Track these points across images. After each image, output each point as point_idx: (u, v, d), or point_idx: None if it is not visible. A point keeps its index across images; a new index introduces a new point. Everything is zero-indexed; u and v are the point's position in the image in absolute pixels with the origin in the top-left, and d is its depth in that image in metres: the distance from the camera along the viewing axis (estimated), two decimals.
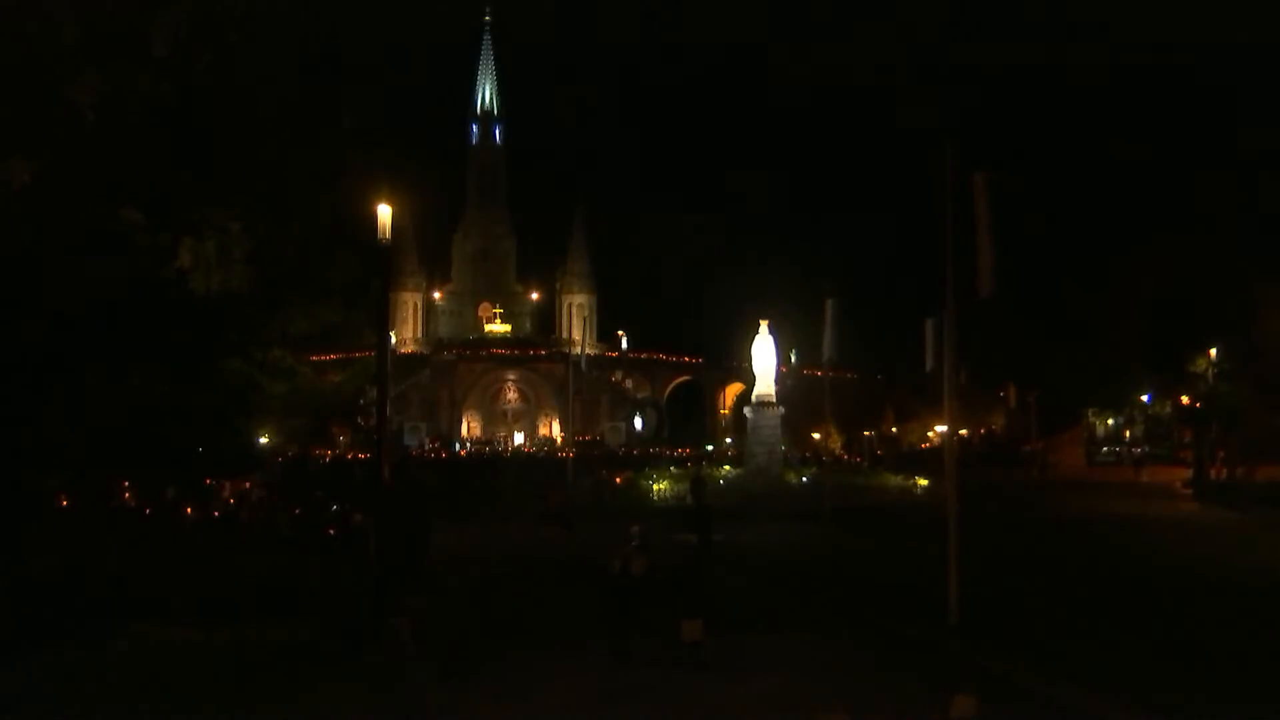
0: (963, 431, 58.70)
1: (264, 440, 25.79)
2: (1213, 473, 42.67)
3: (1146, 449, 63.52)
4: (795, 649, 14.19)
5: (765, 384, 40.10)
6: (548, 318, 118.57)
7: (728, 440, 77.59)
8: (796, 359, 58.70)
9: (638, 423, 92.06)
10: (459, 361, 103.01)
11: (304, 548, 23.37)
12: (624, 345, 73.72)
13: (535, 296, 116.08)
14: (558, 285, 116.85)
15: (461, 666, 11.76)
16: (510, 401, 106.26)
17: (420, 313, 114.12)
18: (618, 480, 43.00)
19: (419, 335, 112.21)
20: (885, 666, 13.19)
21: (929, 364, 18.77)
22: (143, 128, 13.28)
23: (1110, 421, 74.55)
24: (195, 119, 14.08)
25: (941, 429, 44.73)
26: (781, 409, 40.47)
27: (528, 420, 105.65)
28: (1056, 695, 11.36)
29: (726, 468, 46.00)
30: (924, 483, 40.76)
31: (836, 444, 64.74)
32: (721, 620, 13.88)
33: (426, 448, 77.13)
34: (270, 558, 21.43)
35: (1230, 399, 41.56)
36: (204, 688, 12.03)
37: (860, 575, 20.06)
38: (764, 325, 40.22)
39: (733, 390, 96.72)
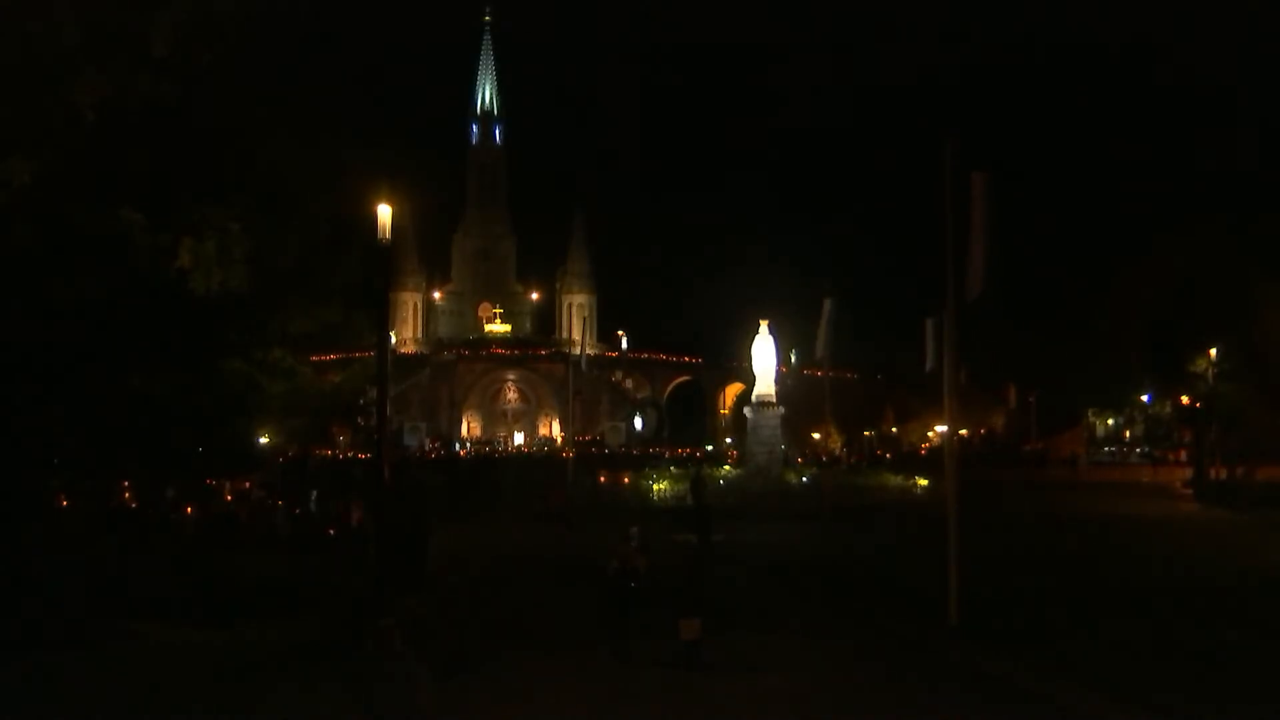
0: (963, 431, 58.68)
1: (264, 440, 25.79)
2: (1212, 473, 42.63)
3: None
4: (795, 648, 14.19)
5: (765, 384, 40.05)
6: (548, 318, 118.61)
7: (728, 440, 77.56)
8: (796, 359, 58.57)
9: (638, 423, 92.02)
10: (459, 361, 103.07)
11: (304, 548, 23.38)
12: (624, 345, 73.60)
13: (535, 296, 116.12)
14: (558, 285, 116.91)
15: (459, 667, 11.77)
16: (510, 401, 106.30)
17: (420, 313, 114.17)
18: (602, 479, 43.22)
19: (419, 335, 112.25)
20: (884, 666, 13.18)
21: (929, 364, 18.76)
22: (143, 128, 13.29)
23: (1110, 421, 74.56)
24: (195, 119, 14.09)
25: (941, 429, 44.70)
26: (781, 409, 40.43)
27: (528, 420, 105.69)
28: (1056, 695, 11.36)
29: (726, 468, 45.94)
30: (924, 483, 40.73)
31: (836, 444, 64.79)
32: (721, 620, 13.88)
33: (426, 448, 77.14)
34: (270, 558, 21.43)
35: (1230, 399, 41.54)
36: (204, 688, 12.04)
37: (860, 575, 20.04)
38: (764, 325, 40.16)
39: (733, 390, 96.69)
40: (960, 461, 17.21)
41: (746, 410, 41.44)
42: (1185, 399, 47.20)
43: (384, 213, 15.22)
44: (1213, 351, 41.98)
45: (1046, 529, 28.00)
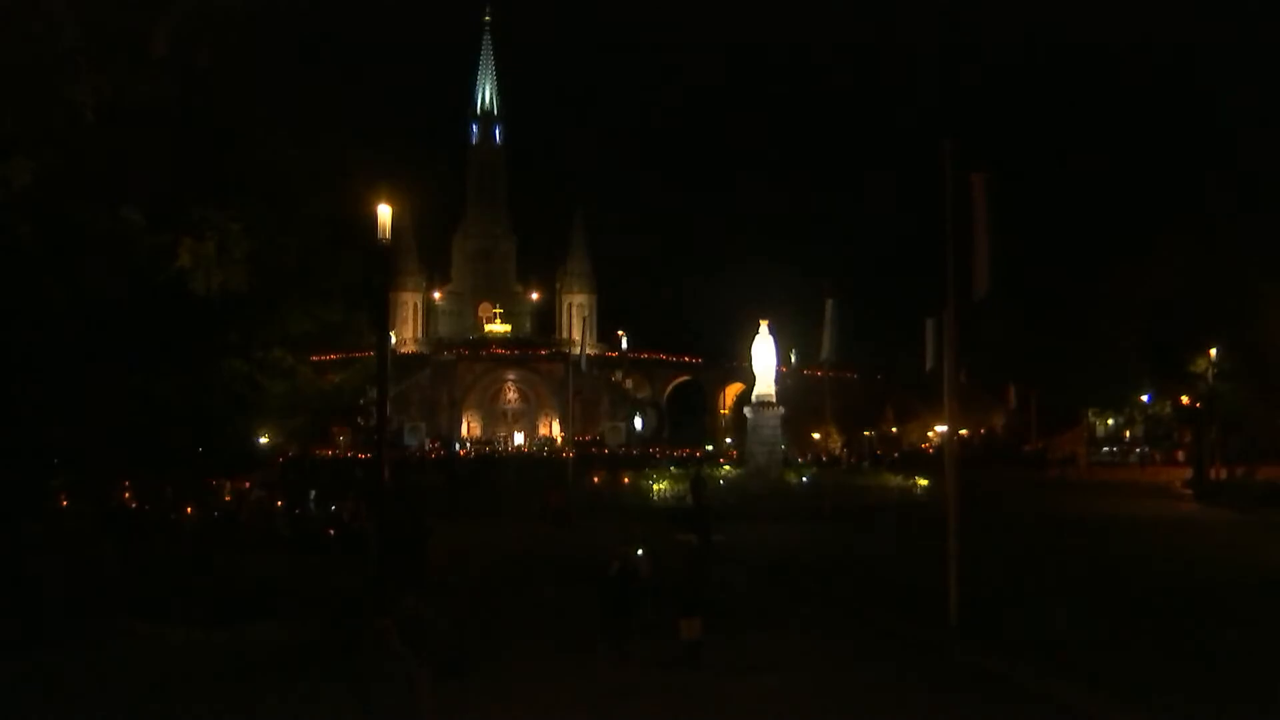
0: (963, 431, 58.64)
1: (264, 440, 25.79)
2: (1212, 473, 42.59)
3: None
4: (795, 648, 14.20)
5: (765, 384, 40.08)
6: (548, 318, 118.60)
7: (728, 440, 77.56)
8: (796, 359, 58.67)
9: (638, 423, 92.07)
10: (459, 361, 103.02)
11: (303, 548, 23.39)
12: (624, 345, 73.62)
13: (535, 296, 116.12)
14: (558, 285, 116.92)
15: (459, 667, 11.77)
16: (510, 401, 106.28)
17: (420, 313, 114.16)
18: (596, 480, 43.35)
19: (419, 335, 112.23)
20: (884, 666, 13.18)
21: (929, 364, 18.79)
22: (143, 128, 13.29)
23: (1110, 421, 74.49)
24: (195, 119, 14.10)
25: (942, 429, 44.69)
26: (781, 409, 40.46)
27: (528, 420, 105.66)
28: (1056, 695, 11.36)
29: (726, 468, 45.97)
30: (924, 483, 40.75)
31: (836, 444, 64.80)
32: (721, 620, 13.88)
33: (426, 448, 77.14)
34: (270, 558, 21.44)
35: (1230, 399, 41.54)
36: (204, 688, 12.04)
37: (860, 575, 20.05)
38: (764, 325, 40.20)
39: (733, 390, 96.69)
40: (960, 461, 17.21)
41: (746, 410, 41.46)
42: (1185, 399, 47.21)
43: (384, 213, 15.24)
44: (1212, 351, 41.99)
45: (1046, 529, 28.00)
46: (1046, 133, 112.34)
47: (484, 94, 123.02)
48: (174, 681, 12.22)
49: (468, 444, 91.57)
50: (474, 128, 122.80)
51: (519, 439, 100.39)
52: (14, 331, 13.49)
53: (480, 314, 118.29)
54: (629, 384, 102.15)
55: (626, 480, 42.50)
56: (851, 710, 11.33)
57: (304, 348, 20.62)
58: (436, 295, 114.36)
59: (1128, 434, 71.81)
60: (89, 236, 13.14)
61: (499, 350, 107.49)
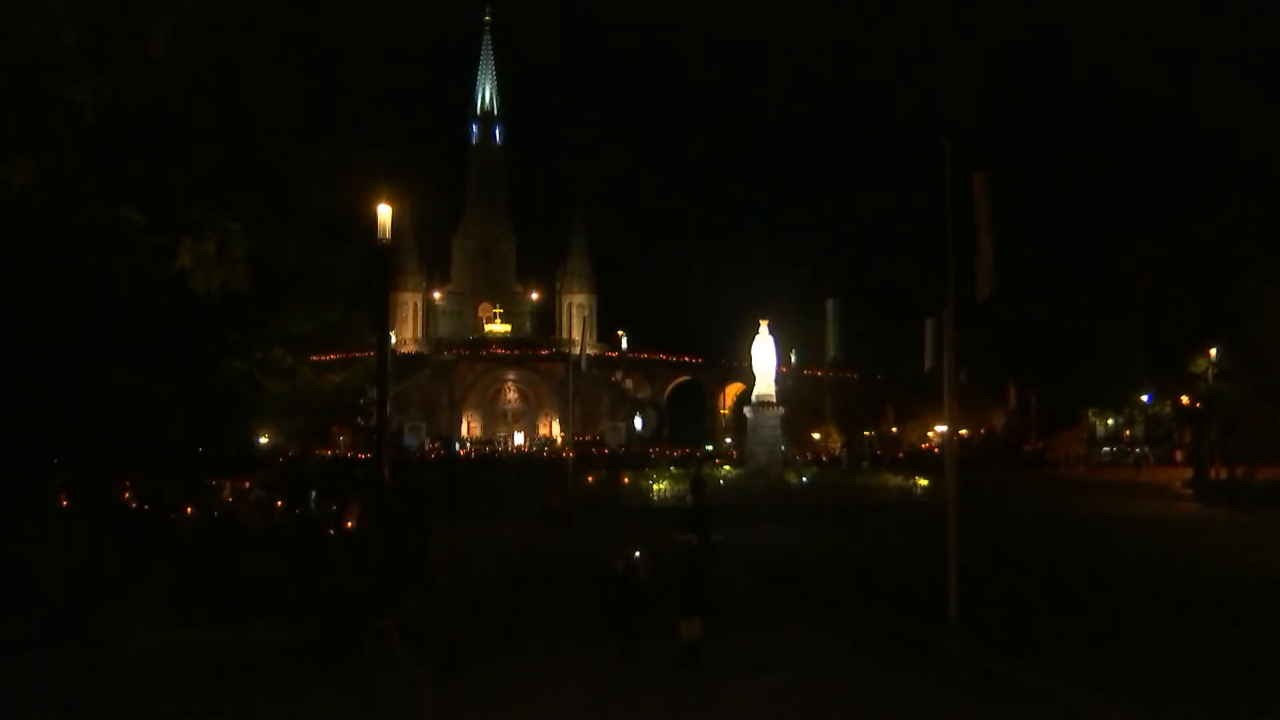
0: (963, 431, 58.62)
1: (264, 440, 25.80)
2: (1212, 473, 42.56)
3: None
4: (795, 648, 14.18)
5: (765, 384, 40.04)
6: (548, 318, 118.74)
7: (728, 440, 77.59)
8: (796, 359, 58.62)
9: (638, 423, 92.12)
10: (459, 361, 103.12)
11: (303, 548, 23.39)
12: (624, 345, 73.66)
13: (535, 296, 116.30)
14: (558, 285, 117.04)
15: (459, 667, 11.76)
16: (510, 401, 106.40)
17: (420, 313, 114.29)
18: (590, 480, 43.42)
19: (419, 335, 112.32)
20: (885, 666, 13.18)
21: (929, 364, 18.81)
22: (143, 128, 13.30)
23: (1110, 421, 74.52)
24: (195, 119, 14.11)
25: (942, 429, 44.67)
26: (781, 409, 40.42)
27: (528, 420, 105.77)
28: (1057, 695, 11.35)
29: (726, 468, 45.95)
30: (924, 483, 40.72)
31: (836, 444, 64.81)
32: (721, 619, 13.87)
33: (427, 448, 77.16)
34: (270, 558, 21.44)
35: (1229, 399, 41.53)
36: (204, 688, 12.03)
37: (860, 575, 20.05)
38: (764, 325, 40.13)
39: (733, 390, 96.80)
40: (960, 461, 17.20)
41: (746, 410, 41.43)
42: (1185, 399, 47.20)
43: (384, 213, 15.22)
44: (1212, 351, 41.98)
45: (1047, 528, 27.99)
46: (1047, 132, 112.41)
47: (484, 94, 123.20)
48: (174, 681, 12.22)
49: (468, 444, 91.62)
50: (474, 128, 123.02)
51: (519, 439, 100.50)
52: (14, 331, 13.49)
53: (480, 314, 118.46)
54: (629, 384, 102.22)
55: (626, 480, 42.47)
56: (851, 710, 11.33)
57: (304, 348, 20.63)
58: (436, 295, 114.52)
59: (1128, 434, 71.82)
60: (89, 236, 13.15)
61: (499, 350, 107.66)
